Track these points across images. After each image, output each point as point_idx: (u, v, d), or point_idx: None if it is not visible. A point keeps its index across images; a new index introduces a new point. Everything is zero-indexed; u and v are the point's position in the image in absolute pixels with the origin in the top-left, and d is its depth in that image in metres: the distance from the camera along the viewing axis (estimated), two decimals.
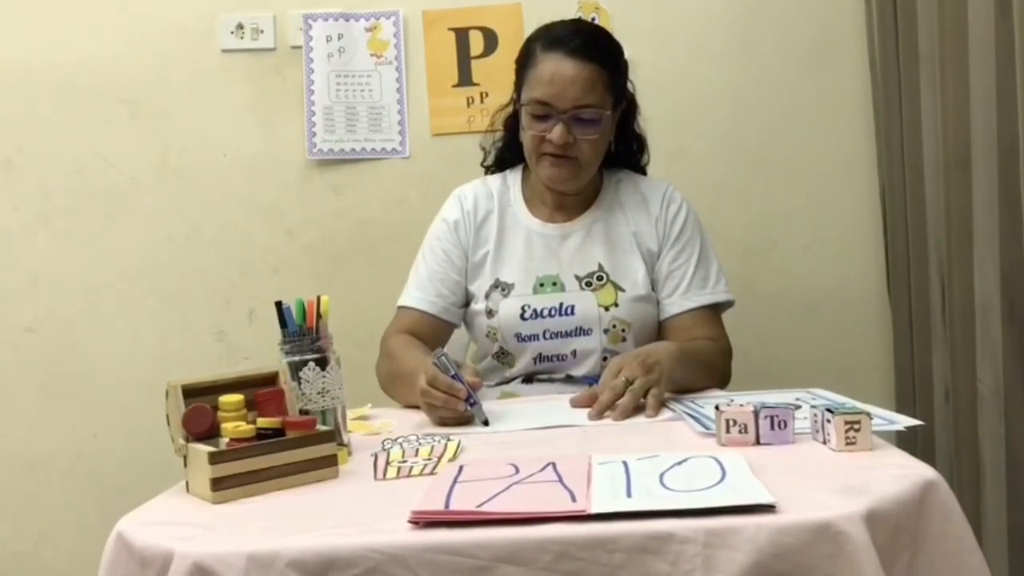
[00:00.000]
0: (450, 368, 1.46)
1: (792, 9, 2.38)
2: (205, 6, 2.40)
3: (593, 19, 2.34)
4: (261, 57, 2.41)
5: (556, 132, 1.70)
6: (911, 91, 2.07)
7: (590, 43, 1.72)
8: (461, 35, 2.40)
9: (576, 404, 1.53)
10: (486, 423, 1.46)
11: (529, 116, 1.73)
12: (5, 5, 2.40)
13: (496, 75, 2.32)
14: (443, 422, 1.49)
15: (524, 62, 1.76)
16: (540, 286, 1.78)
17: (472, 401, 1.46)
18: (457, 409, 1.46)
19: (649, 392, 1.47)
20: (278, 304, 1.33)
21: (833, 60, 2.39)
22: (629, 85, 1.83)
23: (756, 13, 2.39)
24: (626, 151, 1.88)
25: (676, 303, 1.78)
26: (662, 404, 1.49)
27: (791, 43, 2.39)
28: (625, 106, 1.82)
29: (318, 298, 1.34)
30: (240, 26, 2.40)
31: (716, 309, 1.80)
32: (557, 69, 1.69)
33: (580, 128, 1.71)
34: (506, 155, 1.92)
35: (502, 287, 1.79)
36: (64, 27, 2.40)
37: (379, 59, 2.41)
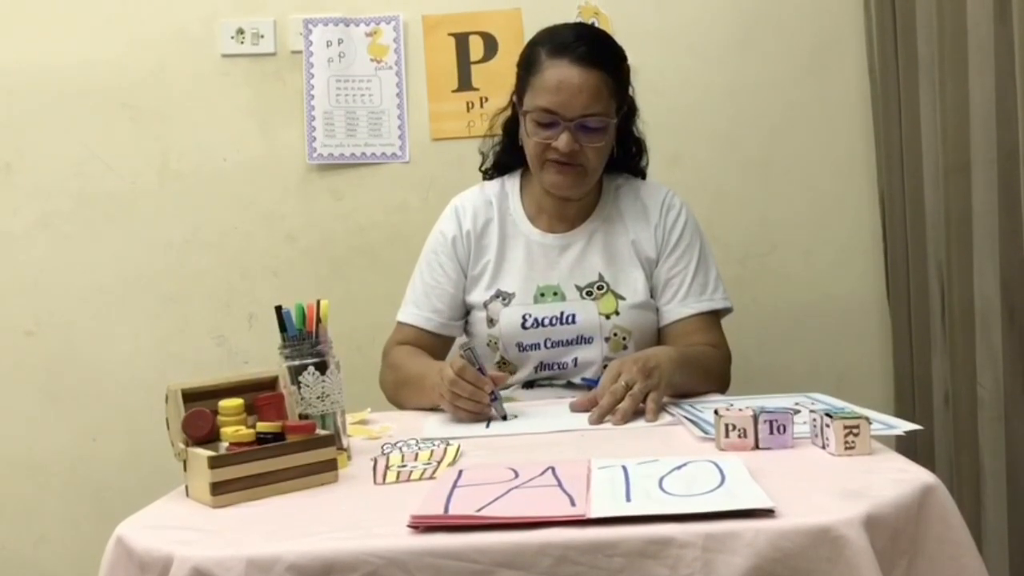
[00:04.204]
0: (476, 361, 1.51)
1: (792, 14, 2.38)
2: (205, 10, 2.40)
3: (593, 23, 2.34)
4: (261, 62, 2.41)
5: (563, 141, 1.68)
6: (910, 96, 2.07)
7: (596, 49, 1.70)
8: (461, 40, 2.41)
9: (575, 408, 1.53)
10: (505, 418, 1.51)
11: (534, 123, 1.71)
12: (5, 8, 2.40)
13: (496, 80, 2.32)
14: (460, 417, 1.51)
15: (528, 67, 1.73)
16: (541, 295, 1.77)
17: (494, 396, 1.50)
18: (482, 402, 1.50)
19: (648, 396, 1.47)
20: (278, 308, 1.33)
21: (832, 65, 2.39)
22: (630, 89, 1.82)
23: (756, 18, 2.39)
24: (625, 154, 1.87)
25: (675, 309, 1.77)
26: (661, 408, 1.49)
27: (791, 48, 2.39)
28: (625, 110, 1.81)
29: (318, 302, 1.34)
30: (240, 31, 2.40)
31: (715, 315, 1.80)
32: (564, 77, 1.66)
33: (586, 136, 1.69)
34: (505, 159, 1.90)
35: (503, 296, 1.79)
36: (64, 30, 2.40)
37: (379, 64, 2.41)
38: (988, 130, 1.74)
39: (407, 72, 2.41)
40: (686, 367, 1.59)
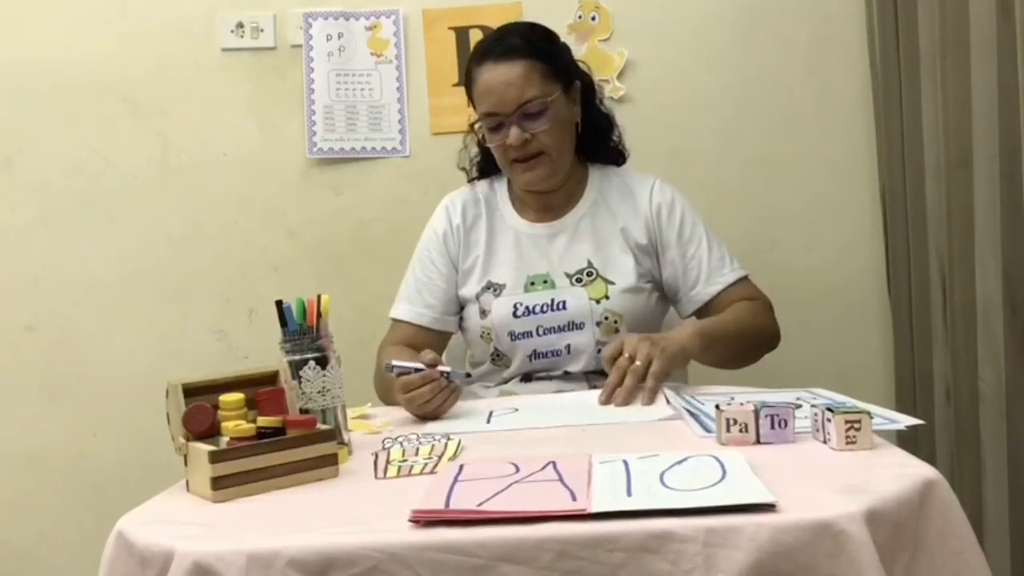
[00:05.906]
0: (406, 368, 1.48)
1: (793, 8, 2.38)
2: (205, 5, 2.40)
3: (593, 19, 2.33)
4: (261, 56, 2.41)
5: (512, 136, 1.73)
6: (912, 90, 2.07)
7: (514, 41, 1.75)
8: (461, 34, 2.40)
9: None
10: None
11: (487, 131, 1.78)
12: (5, 4, 2.40)
13: None
14: (442, 410, 1.50)
15: (467, 83, 1.80)
16: (531, 284, 1.79)
17: (444, 373, 1.48)
18: (443, 389, 1.48)
19: (650, 368, 1.49)
20: (278, 303, 1.33)
21: (833, 59, 2.39)
22: (582, 65, 1.86)
23: (757, 12, 2.38)
24: (595, 131, 1.88)
25: (705, 290, 1.80)
26: (658, 392, 1.50)
27: (792, 42, 2.38)
28: (581, 87, 1.83)
29: (318, 297, 1.34)
30: (240, 25, 2.39)
31: (742, 281, 1.83)
32: (491, 78, 1.73)
33: (531, 122, 1.73)
34: (485, 168, 1.93)
35: (494, 288, 1.80)
36: (64, 26, 2.40)
37: (379, 58, 2.41)
38: (990, 125, 1.74)
39: (407, 66, 2.41)
40: (712, 330, 1.66)
